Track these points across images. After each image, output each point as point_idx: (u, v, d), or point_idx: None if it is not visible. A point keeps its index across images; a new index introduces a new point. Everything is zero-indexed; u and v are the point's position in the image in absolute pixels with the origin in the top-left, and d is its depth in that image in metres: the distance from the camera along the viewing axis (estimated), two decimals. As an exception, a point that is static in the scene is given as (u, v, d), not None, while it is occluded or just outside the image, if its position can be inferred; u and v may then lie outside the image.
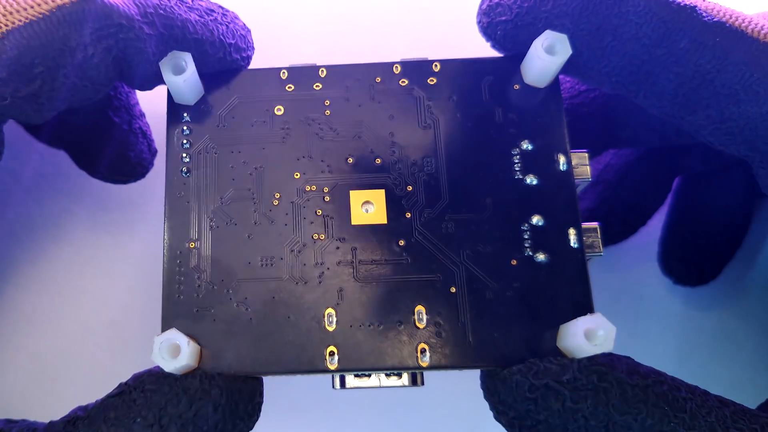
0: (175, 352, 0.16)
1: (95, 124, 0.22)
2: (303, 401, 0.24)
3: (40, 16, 0.17)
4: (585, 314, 0.16)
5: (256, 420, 0.17)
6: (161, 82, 0.19)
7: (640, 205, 0.25)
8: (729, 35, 0.17)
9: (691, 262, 0.25)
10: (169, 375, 0.16)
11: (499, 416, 0.17)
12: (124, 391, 0.16)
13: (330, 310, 0.17)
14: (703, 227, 0.25)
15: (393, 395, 0.24)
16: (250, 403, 0.17)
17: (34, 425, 0.18)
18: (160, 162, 0.23)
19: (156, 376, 0.16)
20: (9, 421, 0.18)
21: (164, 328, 0.17)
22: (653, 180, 0.25)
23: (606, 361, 0.16)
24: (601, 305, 0.26)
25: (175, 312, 0.18)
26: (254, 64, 0.20)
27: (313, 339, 0.17)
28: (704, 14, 0.17)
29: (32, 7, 0.17)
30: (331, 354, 0.17)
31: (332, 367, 0.17)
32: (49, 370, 0.24)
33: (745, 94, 0.17)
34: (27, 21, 0.17)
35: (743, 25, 0.17)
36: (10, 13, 0.17)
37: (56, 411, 0.23)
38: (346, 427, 0.24)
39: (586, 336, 0.16)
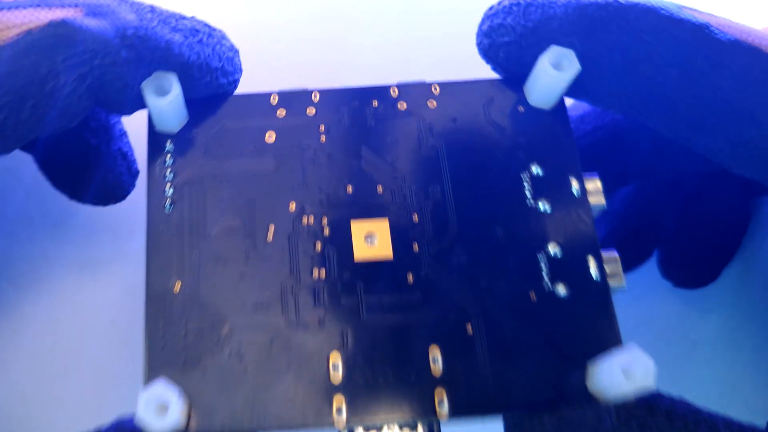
0: (163, 411, 0.14)
1: (70, 147, 0.20)
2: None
3: (7, 42, 0.15)
4: (611, 350, 0.15)
5: None
6: (142, 106, 0.17)
7: (651, 229, 0.24)
8: (746, 54, 0.16)
9: (689, 266, 0.24)
10: None
11: None
12: None
13: (335, 356, 0.15)
14: (701, 230, 0.24)
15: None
16: None
17: None
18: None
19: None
20: None
21: (149, 379, 0.15)
22: (660, 202, 0.23)
23: (643, 405, 0.14)
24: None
25: (161, 363, 0.15)
26: (242, 88, 0.18)
27: (317, 390, 0.15)
28: (718, 32, 0.16)
29: None
30: (339, 409, 0.15)
31: (340, 424, 0.15)
32: (49, 370, 0.24)
33: (767, 116, 0.16)
34: None
35: (756, 41, 0.16)
36: None
37: (56, 411, 0.23)
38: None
39: (624, 374, 0.14)
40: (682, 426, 0.14)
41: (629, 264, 0.24)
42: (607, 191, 0.21)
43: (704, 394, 0.17)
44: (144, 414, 0.14)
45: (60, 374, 0.24)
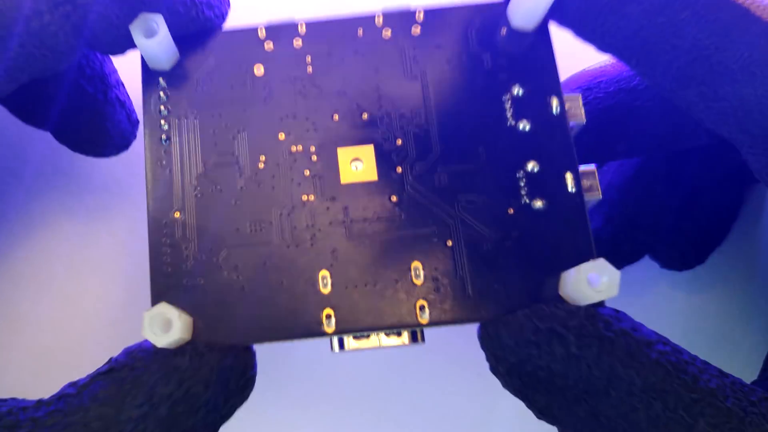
0: (167, 327, 0.15)
1: (68, 96, 0.20)
2: (301, 369, 0.24)
3: None
4: (587, 260, 0.16)
5: (249, 393, 0.16)
6: (133, 45, 0.17)
7: (647, 222, 0.23)
8: (732, 12, 0.16)
9: (677, 248, 0.24)
10: (160, 352, 0.16)
11: (497, 364, 0.16)
12: (114, 368, 0.16)
13: (324, 272, 0.16)
14: (691, 213, 0.24)
15: (394, 355, 0.23)
16: (242, 377, 0.16)
17: (22, 403, 0.17)
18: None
19: (146, 353, 0.16)
20: None
21: (154, 302, 0.16)
22: (657, 193, 0.23)
23: (613, 313, 0.15)
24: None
25: (165, 284, 0.16)
26: (230, 24, 0.19)
27: (308, 303, 0.16)
28: None
29: None
30: (328, 317, 0.16)
31: (329, 330, 0.16)
32: (49, 369, 0.24)
33: (742, 75, 0.16)
34: None
35: (747, 2, 0.16)
36: None
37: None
38: (348, 392, 0.24)
39: (589, 282, 0.15)
40: (644, 338, 0.15)
41: (622, 259, 0.23)
42: (612, 158, 0.21)
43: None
44: (149, 332, 0.15)
45: (60, 374, 0.24)
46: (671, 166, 0.23)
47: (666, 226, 0.23)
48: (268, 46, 0.18)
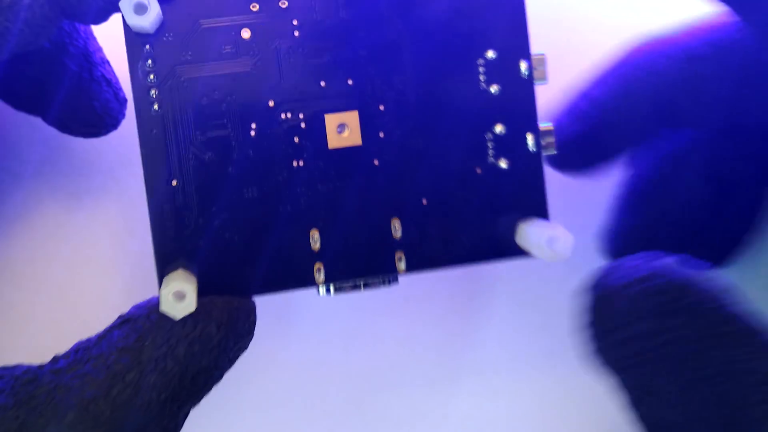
0: (181, 298, 0.16)
1: (52, 75, 0.20)
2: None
3: None
4: (540, 211, 0.19)
5: (251, 338, 0.17)
6: (113, 10, 0.17)
7: (672, 220, 0.23)
8: None
9: (700, 248, 0.22)
10: None
11: (606, 335, 0.16)
12: (129, 320, 0.16)
13: (314, 232, 0.18)
14: (720, 213, 0.23)
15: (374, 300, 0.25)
16: (247, 321, 0.17)
17: (35, 365, 0.17)
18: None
19: (158, 305, 0.16)
20: (3, 368, 0.17)
21: (158, 264, 0.18)
22: (685, 192, 0.23)
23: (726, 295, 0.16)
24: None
25: (167, 247, 0.18)
26: None
27: (300, 258, 0.18)
28: None
29: None
30: (318, 270, 0.18)
31: (320, 281, 0.18)
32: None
33: None
34: None
35: None
36: None
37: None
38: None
39: (546, 242, 0.17)
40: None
41: (623, 249, 0.23)
42: (651, 133, 0.22)
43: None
44: (167, 307, 0.16)
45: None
46: (705, 168, 0.23)
47: (690, 226, 0.23)
48: (254, 7, 0.18)
